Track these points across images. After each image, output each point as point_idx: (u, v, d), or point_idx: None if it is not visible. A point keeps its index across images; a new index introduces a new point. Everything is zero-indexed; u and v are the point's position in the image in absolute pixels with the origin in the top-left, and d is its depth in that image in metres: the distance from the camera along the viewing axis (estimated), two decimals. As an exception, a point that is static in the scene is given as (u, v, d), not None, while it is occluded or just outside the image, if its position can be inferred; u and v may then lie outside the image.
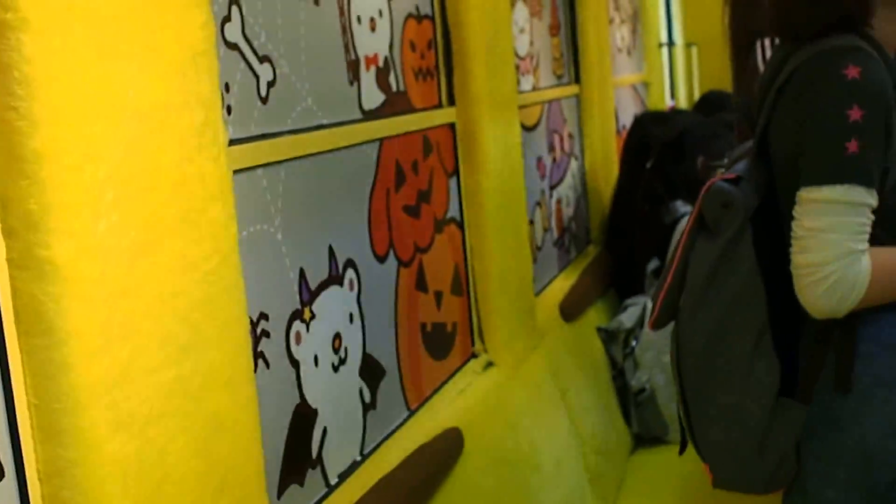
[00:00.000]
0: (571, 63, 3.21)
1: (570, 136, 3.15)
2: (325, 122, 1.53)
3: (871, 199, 1.37)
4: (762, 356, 1.45)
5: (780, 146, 1.46)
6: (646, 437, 2.86)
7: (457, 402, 1.90)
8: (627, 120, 3.63)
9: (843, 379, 1.45)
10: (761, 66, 2.23)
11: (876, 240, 1.39)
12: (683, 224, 1.67)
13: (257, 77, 1.34)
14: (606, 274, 3.19)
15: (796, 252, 1.39)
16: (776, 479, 1.51)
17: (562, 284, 2.84)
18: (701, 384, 1.49)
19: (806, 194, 1.38)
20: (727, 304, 1.44)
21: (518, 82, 2.58)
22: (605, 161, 3.36)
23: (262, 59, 1.35)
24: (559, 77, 3.07)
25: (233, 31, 1.28)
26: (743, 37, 2.24)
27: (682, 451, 1.65)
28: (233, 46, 1.29)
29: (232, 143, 1.25)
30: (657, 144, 3.05)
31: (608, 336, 2.91)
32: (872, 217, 1.38)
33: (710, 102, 3.86)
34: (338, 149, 1.56)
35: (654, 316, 1.55)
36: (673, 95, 5.56)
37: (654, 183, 3.04)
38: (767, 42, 2.24)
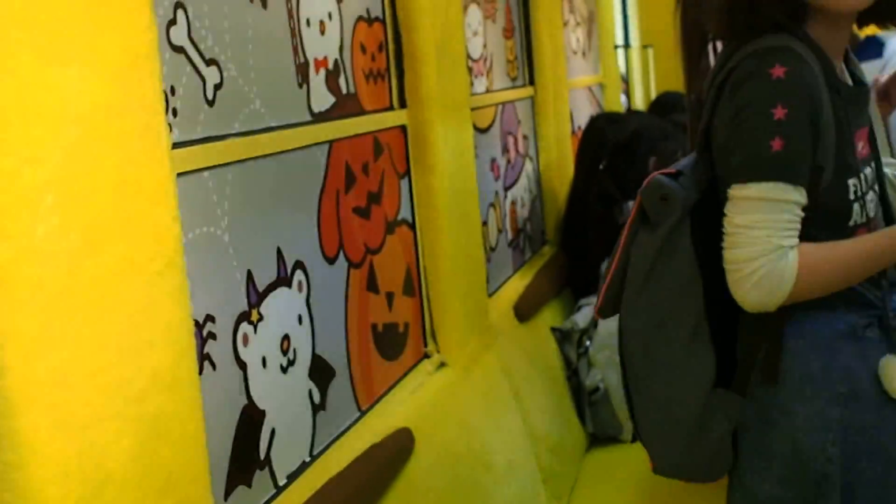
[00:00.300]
0: (526, 65, 3.23)
1: (525, 137, 3.17)
2: (273, 124, 1.53)
3: (798, 195, 1.39)
4: (699, 346, 1.48)
5: (719, 142, 1.49)
6: (600, 436, 2.89)
7: (408, 402, 1.91)
8: (583, 121, 3.66)
9: (769, 371, 1.49)
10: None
11: (814, 240, 1.42)
12: None
13: (204, 80, 1.35)
14: (561, 274, 3.21)
15: (727, 248, 1.42)
16: (714, 468, 1.55)
17: (516, 285, 2.86)
18: (641, 372, 1.53)
19: (735, 191, 1.42)
20: (665, 296, 1.48)
21: (471, 84, 2.59)
22: (560, 162, 3.39)
23: (209, 61, 1.36)
24: (513, 79, 3.09)
25: (178, 34, 1.29)
26: (695, 38, 2.27)
27: (633, 440, 1.68)
28: (178, 49, 1.29)
29: (177, 145, 1.26)
30: (610, 145, 3.08)
31: (562, 336, 2.94)
32: (801, 214, 1.40)
33: (664, 104, 3.90)
34: (286, 151, 1.57)
35: (599, 305, 1.60)
36: (629, 97, 5.61)
37: (608, 183, 3.07)
38: (720, 44, 2.27)
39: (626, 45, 5.86)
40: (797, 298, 1.42)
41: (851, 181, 1.47)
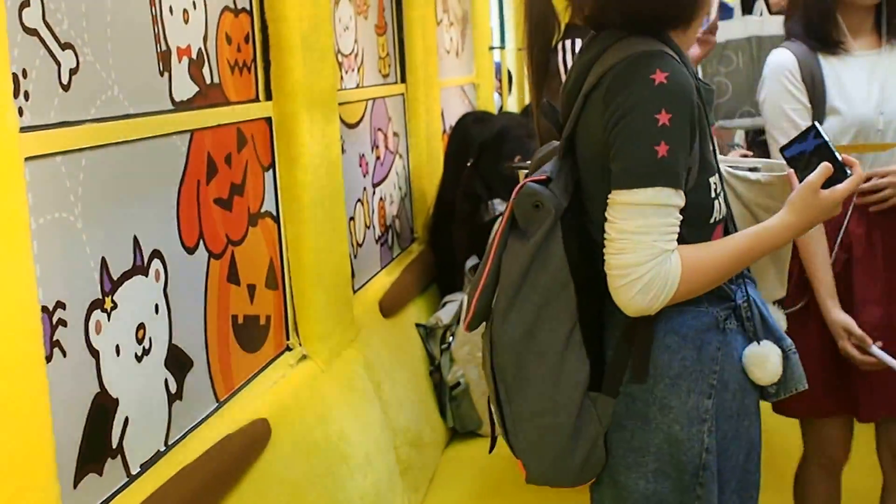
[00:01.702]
0: (398, 62, 3.26)
1: (396, 134, 3.20)
2: (132, 111, 1.52)
3: (680, 199, 1.42)
4: (572, 352, 1.47)
5: (588, 148, 1.49)
6: (461, 430, 2.95)
7: (268, 394, 1.92)
8: (454, 120, 3.71)
9: (639, 370, 1.51)
10: (561, 70, 2.32)
11: (682, 239, 1.45)
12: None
13: (59, 64, 1.33)
14: (428, 271, 3.26)
15: (611, 253, 1.42)
16: (585, 472, 1.54)
17: (383, 281, 2.88)
18: (515, 383, 1.50)
19: (618, 197, 1.42)
20: (539, 303, 1.47)
21: (341, 79, 2.61)
22: (429, 160, 3.43)
23: (64, 45, 1.34)
24: (385, 76, 3.12)
25: (32, 17, 1.27)
26: (542, 41, 2.33)
27: (491, 450, 1.69)
28: (32, 32, 1.27)
29: (29, 129, 1.24)
30: (477, 144, 3.14)
31: (427, 332, 2.98)
32: (681, 217, 1.43)
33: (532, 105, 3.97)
34: (145, 139, 1.55)
35: (469, 317, 1.56)
36: (503, 97, 5.70)
37: (474, 182, 3.13)
38: (569, 44, 2.33)
39: (502, 47, 5.95)
40: (678, 300, 1.44)
41: (712, 179, 1.51)
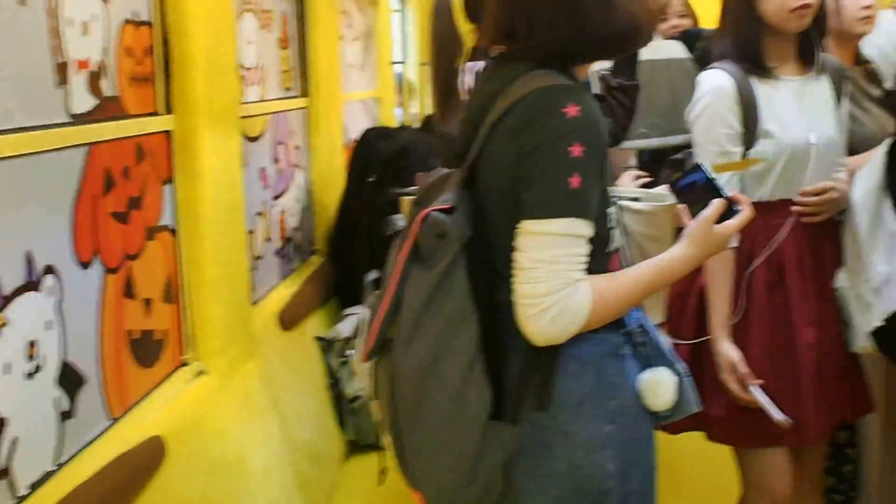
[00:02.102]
0: (300, 76, 3.25)
1: (298, 147, 3.20)
2: (25, 123, 1.49)
3: (589, 230, 1.43)
4: (474, 382, 1.46)
5: (495, 178, 1.49)
6: (360, 443, 2.95)
7: (163, 410, 1.90)
8: (357, 134, 3.71)
9: (542, 397, 1.50)
10: (462, 91, 2.34)
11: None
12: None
13: (-50, 75, 1.30)
14: (329, 284, 3.25)
15: (522, 283, 1.42)
16: (485, 500, 1.51)
17: (282, 293, 2.87)
18: (415, 413, 1.48)
19: (530, 226, 1.42)
20: (441, 333, 1.45)
21: (242, 93, 2.60)
22: (331, 173, 3.43)
23: (-43, 57, 1.32)
24: (287, 89, 3.11)
25: (-77, 28, 1.24)
26: (447, 61, 2.34)
27: (382, 482, 1.67)
28: (-79, 42, 1.24)
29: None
30: (380, 160, 3.16)
31: (326, 345, 2.98)
32: (590, 247, 1.44)
33: (434, 121, 4.00)
34: (39, 152, 1.53)
35: (369, 348, 1.53)
36: (404, 111, 5.73)
37: (376, 197, 3.14)
38: (472, 66, 2.35)
39: (404, 62, 5.98)
40: (585, 329, 1.45)
41: (610, 209, 1.55)
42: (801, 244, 2.19)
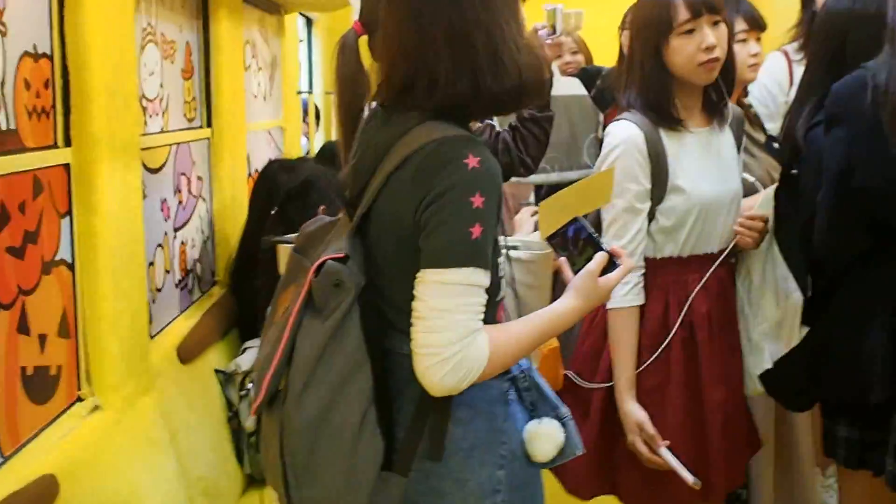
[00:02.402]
0: (204, 106, 3.24)
1: (200, 178, 3.18)
2: (-81, 159, 1.47)
3: (487, 280, 1.47)
4: (367, 431, 1.46)
5: (390, 226, 1.50)
6: (258, 477, 2.93)
7: (57, 447, 1.87)
8: (261, 164, 3.71)
9: (435, 447, 1.53)
10: None
11: None
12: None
13: None
14: (229, 316, 3.23)
15: (422, 332, 1.43)
16: None
17: (181, 326, 2.85)
18: (306, 466, 1.47)
19: (430, 276, 1.44)
20: (335, 383, 1.45)
21: (144, 124, 2.58)
22: (234, 204, 3.42)
23: None
24: (190, 120, 3.09)
25: None
26: (351, 99, 2.34)
27: None
28: None
29: None
30: (283, 192, 3.16)
31: (226, 378, 2.96)
32: (487, 296, 1.47)
33: (328, 152, 4.03)
34: (-68, 187, 1.51)
35: (260, 401, 1.53)
36: (310, 141, 5.73)
37: (279, 230, 3.13)
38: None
39: (310, 91, 5.99)
40: (482, 378, 1.47)
41: (500, 259, 1.59)
42: (710, 299, 2.23)
